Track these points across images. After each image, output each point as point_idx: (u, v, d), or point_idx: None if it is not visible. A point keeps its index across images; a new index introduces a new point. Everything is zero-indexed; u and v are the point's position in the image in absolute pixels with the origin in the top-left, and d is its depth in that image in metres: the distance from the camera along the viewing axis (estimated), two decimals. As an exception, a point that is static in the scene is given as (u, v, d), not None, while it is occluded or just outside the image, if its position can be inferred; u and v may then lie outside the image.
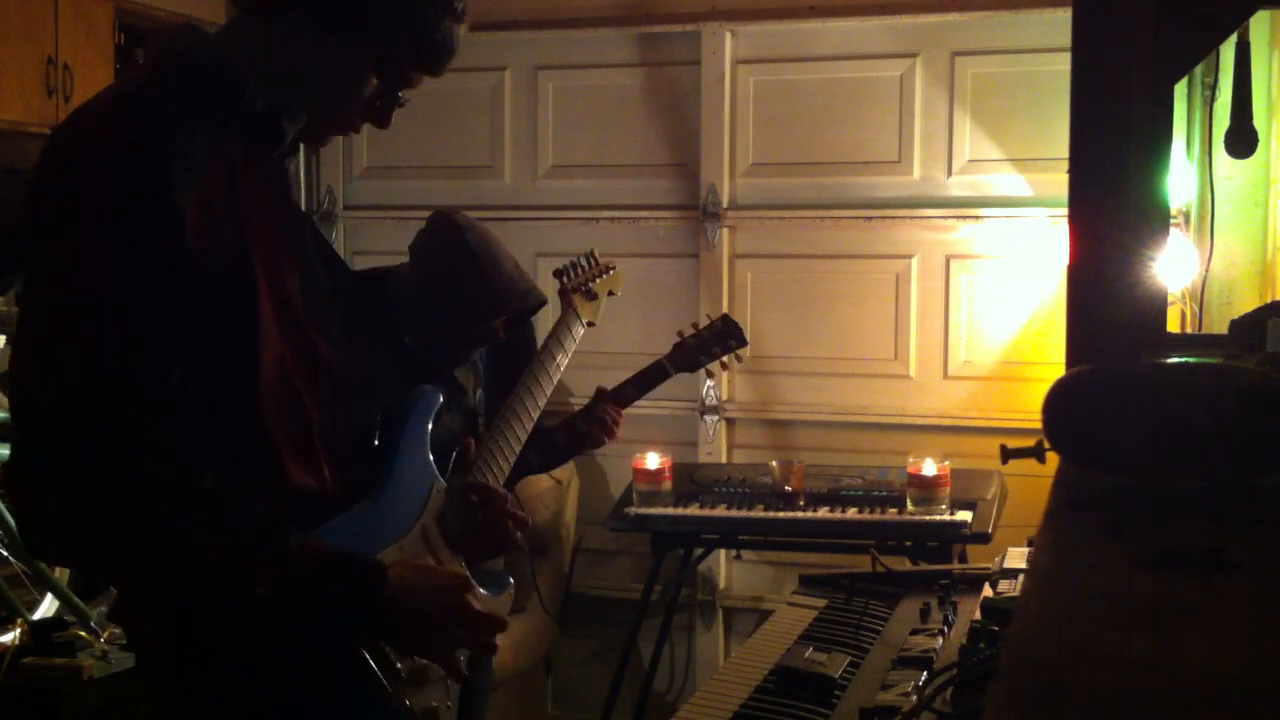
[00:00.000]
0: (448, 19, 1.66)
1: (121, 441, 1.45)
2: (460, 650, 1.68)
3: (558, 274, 2.62)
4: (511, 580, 1.96)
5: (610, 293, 2.71)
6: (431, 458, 1.83)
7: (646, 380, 2.83)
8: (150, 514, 1.48)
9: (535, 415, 2.38)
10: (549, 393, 2.45)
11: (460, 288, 2.79)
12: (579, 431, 2.73)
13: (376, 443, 1.76)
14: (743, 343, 2.91)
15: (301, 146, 1.74)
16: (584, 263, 2.64)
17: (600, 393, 2.81)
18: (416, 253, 2.92)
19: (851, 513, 3.53)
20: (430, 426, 1.83)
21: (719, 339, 2.90)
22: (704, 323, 2.94)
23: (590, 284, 2.63)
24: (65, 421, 1.46)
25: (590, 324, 2.62)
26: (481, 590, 1.85)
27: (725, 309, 4.33)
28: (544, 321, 2.93)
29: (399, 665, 1.65)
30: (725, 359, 2.90)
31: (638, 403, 4.43)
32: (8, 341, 3.49)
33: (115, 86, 1.64)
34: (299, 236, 1.71)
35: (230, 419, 1.57)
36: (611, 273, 2.70)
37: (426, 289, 2.83)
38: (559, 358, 2.50)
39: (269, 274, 1.60)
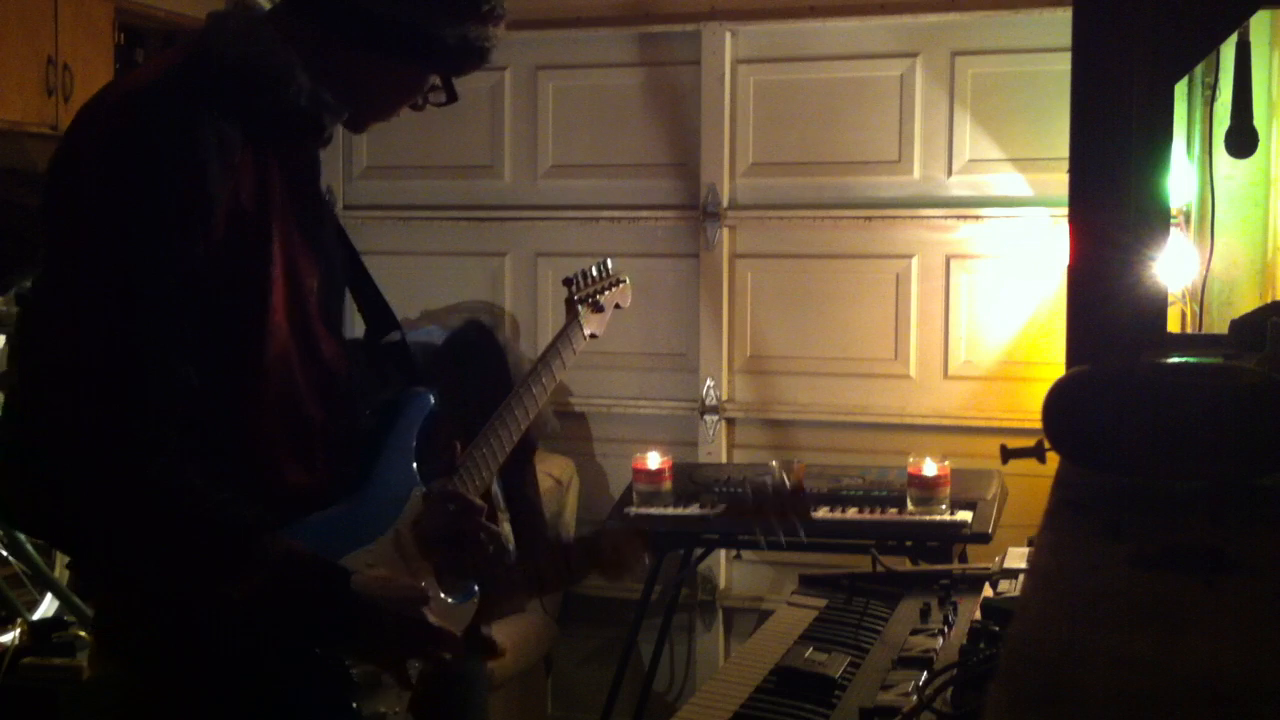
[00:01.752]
0: (490, 26, 1.69)
1: (110, 436, 1.45)
2: (412, 661, 1.68)
3: (566, 282, 2.58)
4: (478, 589, 1.92)
5: (617, 305, 2.68)
6: (415, 462, 1.81)
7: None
8: (131, 508, 1.48)
9: (524, 425, 2.36)
10: (540, 403, 2.43)
11: (486, 381, 2.73)
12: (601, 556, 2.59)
13: (367, 442, 1.76)
14: (806, 515, 2.48)
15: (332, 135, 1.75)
16: (594, 272, 2.61)
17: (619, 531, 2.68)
18: (447, 355, 2.83)
19: (851, 513, 3.53)
20: (418, 429, 1.82)
21: (790, 502, 2.67)
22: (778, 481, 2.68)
23: (599, 295, 2.60)
24: (58, 414, 1.45)
25: (593, 336, 2.59)
26: (447, 598, 1.84)
27: (725, 309, 4.33)
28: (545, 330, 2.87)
29: (352, 670, 1.65)
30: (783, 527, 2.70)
31: (638, 402, 4.48)
32: (7, 341, 3.49)
33: (151, 73, 1.60)
34: (322, 231, 1.71)
35: (230, 413, 1.57)
36: (621, 285, 2.67)
37: (447, 382, 2.76)
38: (556, 368, 2.47)
39: (288, 271, 1.60)
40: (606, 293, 2.61)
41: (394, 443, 1.78)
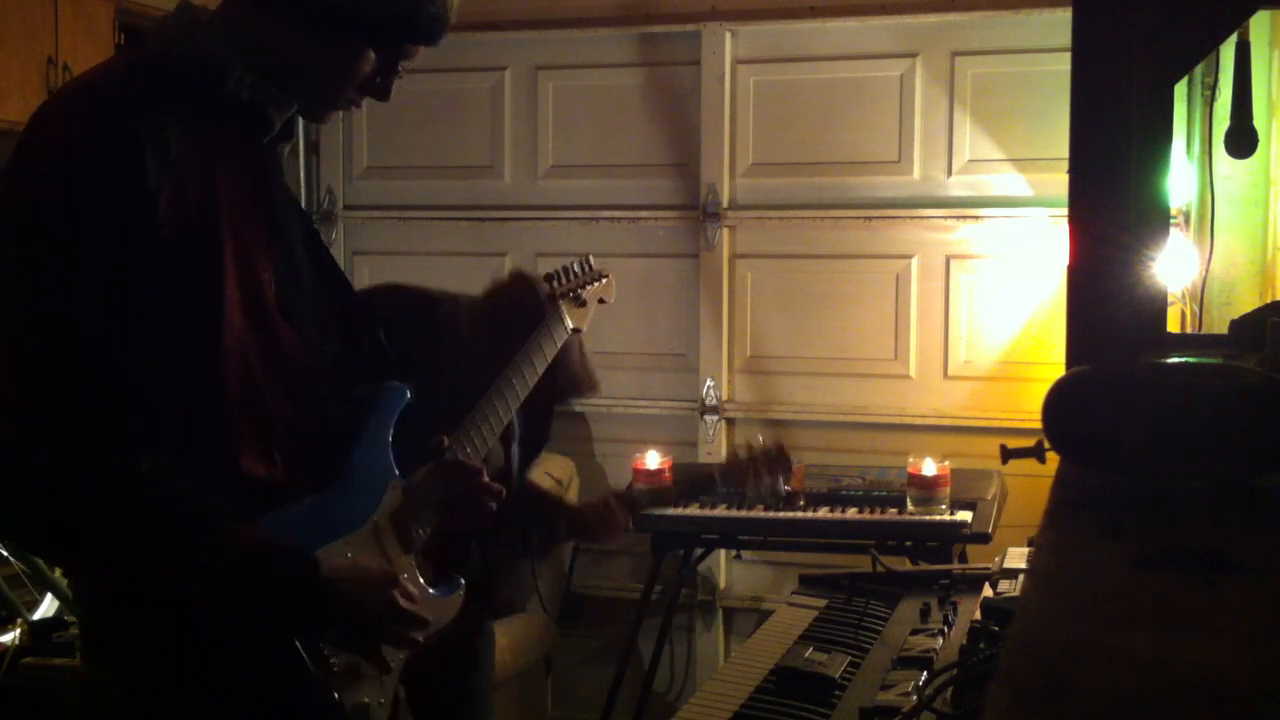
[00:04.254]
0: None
1: (59, 428, 1.47)
2: (388, 646, 1.69)
3: (547, 278, 2.60)
4: (463, 581, 1.94)
5: (601, 300, 2.68)
6: (392, 454, 1.82)
7: (693, 488, 2.75)
8: (82, 499, 1.49)
9: (505, 418, 2.37)
10: (523, 397, 2.44)
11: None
12: (591, 521, 2.62)
13: (340, 435, 1.76)
14: (788, 470, 2.77)
15: (299, 135, 1.75)
16: (576, 268, 2.62)
17: (628, 491, 2.69)
18: (491, 308, 2.83)
19: (851, 513, 3.53)
20: (394, 422, 1.82)
21: (768, 463, 2.81)
22: (756, 446, 2.83)
23: (580, 290, 2.61)
24: (6, 405, 1.47)
25: (577, 330, 2.60)
26: (430, 590, 1.86)
27: (725, 309, 4.33)
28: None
29: (332, 659, 1.66)
30: (773, 482, 2.76)
31: (638, 402, 4.47)
32: None
33: (92, 74, 1.64)
34: (283, 226, 1.71)
35: (186, 405, 1.58)
36: (604, 280, 2.67)
37: (486, 342, 2.76)
38: (538, 363, 2.48)
39: (239, 262, 1.60)
40: (588, 288, 2.62)
41: (369, 435, 1.79)
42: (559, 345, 2.53)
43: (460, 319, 2.77)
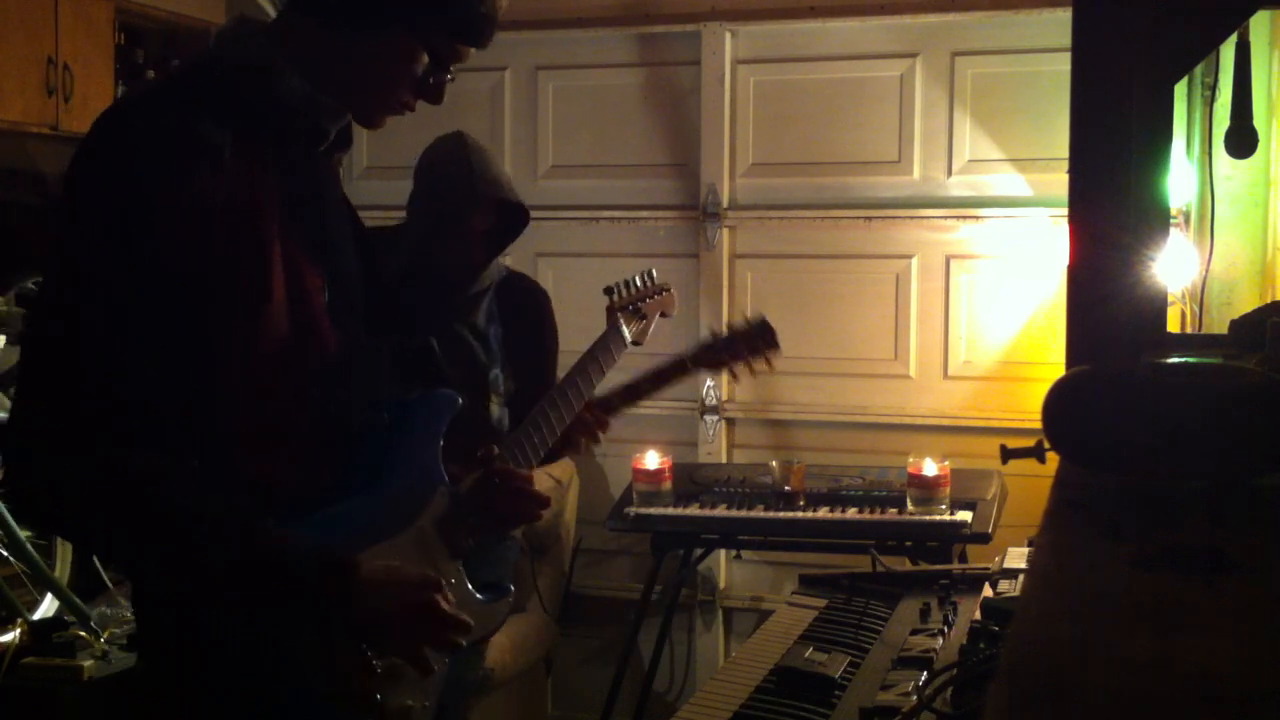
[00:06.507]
0: None
1: (101, 430, 1.47)
2: (430, 649, 1.69)
3: (607, 290, 2.59)
4: (511, 588, 1.95)
5: (662, 314, 2.68)
6: (441, 461, 1.81)
7: (664, 376, 2.62)
8: (131, 500, 1.50)
9: (559, 428, 2.38)
10: (576, 408, 2.44)
11: (448, 175, 2.79)
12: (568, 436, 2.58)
13: (385, 440, 1.76)
14: (773, 345, 2.65)
15: (351, 140, 1.76)
16: (638, 282, 2.61)
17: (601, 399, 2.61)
18: (419, 166, 2.96)
19: (851, 513, 3.53)
20: (444, 428, 1.82)
21: (748, 340, 2.65)
22: (736, 322, 2.71)
23: (640, 304, 2.60)
24: (48, 409, 1.48)
25: (636, 343, 2.59)
26: (477, 595, 1.86)
27: (725, 309, 4.33)
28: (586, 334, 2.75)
29: (375, 662, 1.66)
30: (754, 362, 2.65)
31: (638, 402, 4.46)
32: (8, 342, 3.49)
33: (149, 84, 1.67)
34: (337, 234, 1.72)
35: (226, 408, 1.58)
36: (664, 294, 2.66)
37: (419, 192, 2.84)
38: (594, 374, 2.48)
39: (289, 269, 1.61)
40: (648, 301, 2.61)
41: (414, 441, 1.78)
42: (616, 358, 2.53)
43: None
